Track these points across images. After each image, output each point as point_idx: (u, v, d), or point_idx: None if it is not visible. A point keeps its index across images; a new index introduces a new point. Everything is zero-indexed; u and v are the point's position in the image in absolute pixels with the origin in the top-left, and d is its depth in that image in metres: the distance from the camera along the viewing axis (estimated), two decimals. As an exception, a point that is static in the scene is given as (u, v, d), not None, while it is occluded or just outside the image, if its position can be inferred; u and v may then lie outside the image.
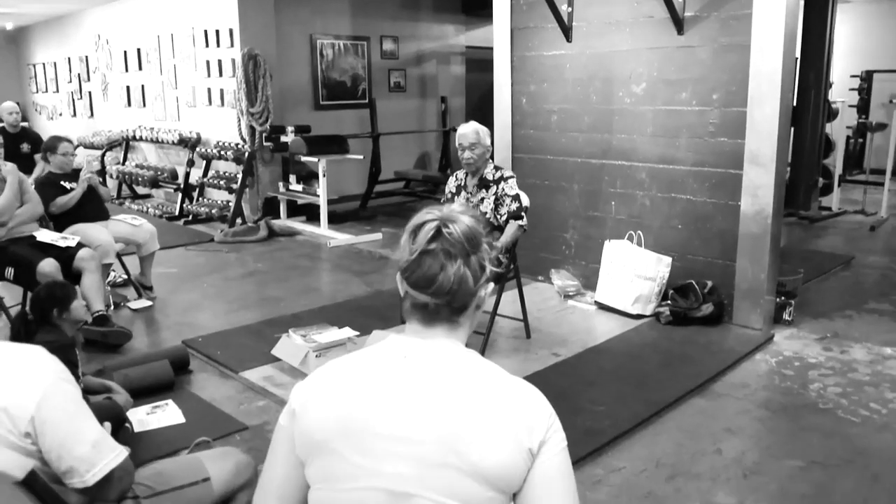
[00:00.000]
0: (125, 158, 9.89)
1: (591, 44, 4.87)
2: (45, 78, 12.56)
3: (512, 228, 3.92)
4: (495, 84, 5.49)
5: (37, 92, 13.07)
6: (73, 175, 5.12)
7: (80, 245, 4.52)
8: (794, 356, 4.09)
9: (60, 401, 1.44)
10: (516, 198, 3.94)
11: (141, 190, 9.77)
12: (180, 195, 8.58)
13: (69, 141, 5.22)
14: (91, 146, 10.28)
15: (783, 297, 4.58)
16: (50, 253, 4.37)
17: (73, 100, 11.67)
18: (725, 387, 3.73)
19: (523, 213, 3.95)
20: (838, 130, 8.61)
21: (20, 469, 1.40)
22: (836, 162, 8.14)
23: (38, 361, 1.47)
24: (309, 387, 1.30)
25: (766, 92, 4.12)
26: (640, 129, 4.73)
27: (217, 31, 8.01)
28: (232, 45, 7.81)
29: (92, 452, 1.45)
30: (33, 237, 4.52)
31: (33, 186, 4.80)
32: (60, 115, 12.24)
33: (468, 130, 3.94)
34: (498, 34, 5.34)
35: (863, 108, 10.84)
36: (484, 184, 3.99)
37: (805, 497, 2.75)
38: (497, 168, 4.03)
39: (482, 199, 3.98)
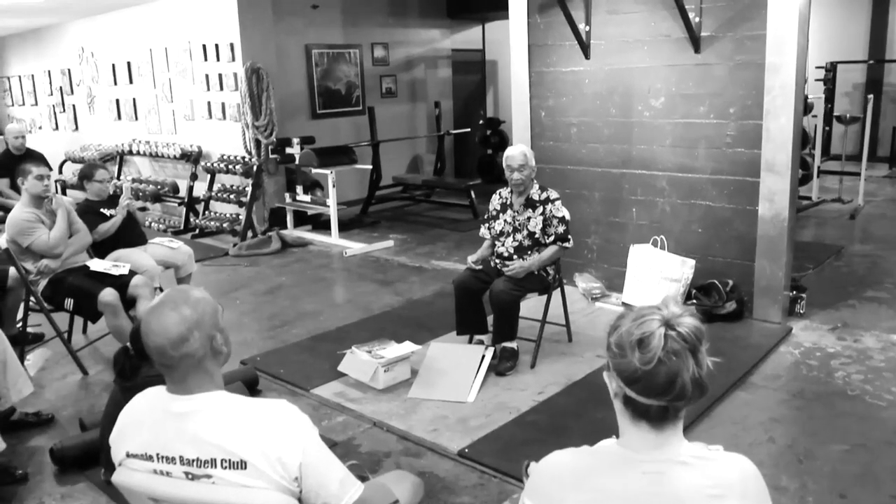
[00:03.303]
0: (120, 172, 9.89)
1: (609, 60, 5.17)
2: (22, 90, 12.39)
3: (553, 249, 4.19)
4: (513, 98, 5.77)
5: (12, 105, 12.87)
6: (111, 201, 5.22)
7: (132, 272, 4.67)
8: (814, 347, 4.48)
9: (316, 447, 1.69)
10: (563, 220, 4.20)
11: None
12: (185, 209, 8.66)
13: (105, 168, 5.32)
14: (81, 160, 10.23)
15: (795, 291, 4.97)
16: (105, 282, 4.51)
17: (55, 113, 11.56)
18: (761, 379, 4.10)
19: (569, 236, 4.23)
20: (812, 122, 9.10)
21: (290, 508, 1.65)
22: (817, 152, 8.62)
23: (291, 414, 1.71)
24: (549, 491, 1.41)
25: (780, 105, 4.47)
26: (659, 140, 5.06)
27: (217, 46, 8.10)
28: (233, 59, 7.92)
29: (340, 489, 1.70)
30: (86, 267, 4.65)
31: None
32: (40, 128, 12.10)
33: (516, 153, 4.18)
34: (515, 51, 5.60)
35: (828, 97, 11.42)
36: (531, 204, 4.25)
37: (856, 477, 3.11)
38: (542, 189, 4.27)
39: (529, 219, 4.24)
